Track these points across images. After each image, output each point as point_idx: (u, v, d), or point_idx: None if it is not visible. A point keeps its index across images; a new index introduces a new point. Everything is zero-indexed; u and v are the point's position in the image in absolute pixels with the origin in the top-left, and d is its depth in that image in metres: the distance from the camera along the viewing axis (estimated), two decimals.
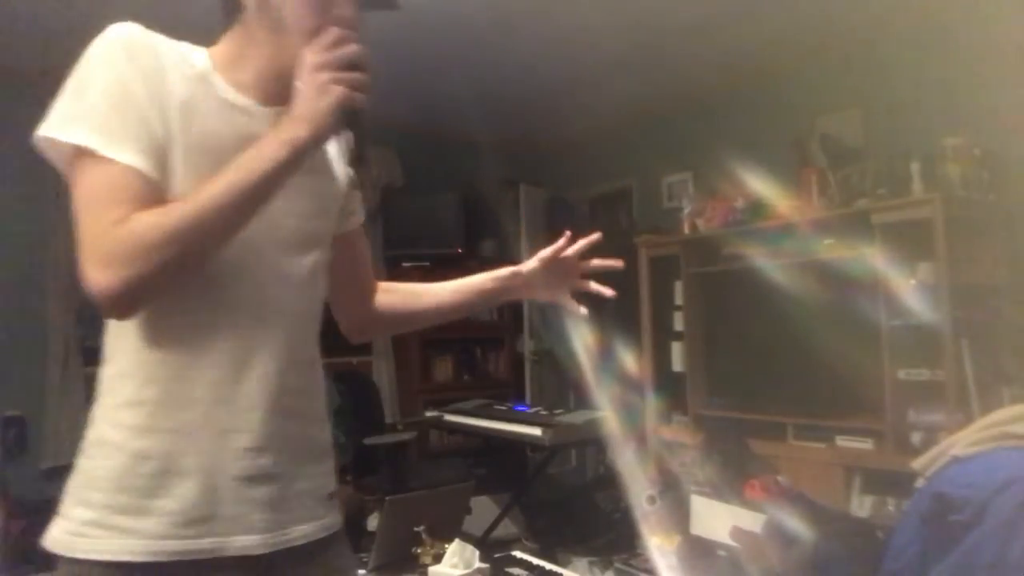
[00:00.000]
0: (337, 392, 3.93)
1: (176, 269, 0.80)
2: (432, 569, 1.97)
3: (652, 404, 3.89)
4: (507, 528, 3.20)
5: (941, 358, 2.72)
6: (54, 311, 3.55)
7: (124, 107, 0.82)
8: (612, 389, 3.61)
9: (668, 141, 4.51)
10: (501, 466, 4.15)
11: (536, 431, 2.97)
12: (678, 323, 3.88)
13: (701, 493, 2.80)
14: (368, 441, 3.33)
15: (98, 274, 0.77)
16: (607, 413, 3.21)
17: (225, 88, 0.90)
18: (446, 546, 1.99)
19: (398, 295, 1.20)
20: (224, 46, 0.94)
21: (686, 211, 3.88)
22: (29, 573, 3.12)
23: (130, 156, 0.80)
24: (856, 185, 3.29)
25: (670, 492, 2.93)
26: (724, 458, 2.92)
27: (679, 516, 2.78)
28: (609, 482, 3.38)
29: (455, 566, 1.92)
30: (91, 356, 3.66)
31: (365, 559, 2.12)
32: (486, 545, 2.80)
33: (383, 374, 4.53)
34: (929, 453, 2.15)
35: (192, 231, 0.79)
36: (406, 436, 3.64)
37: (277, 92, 0.92)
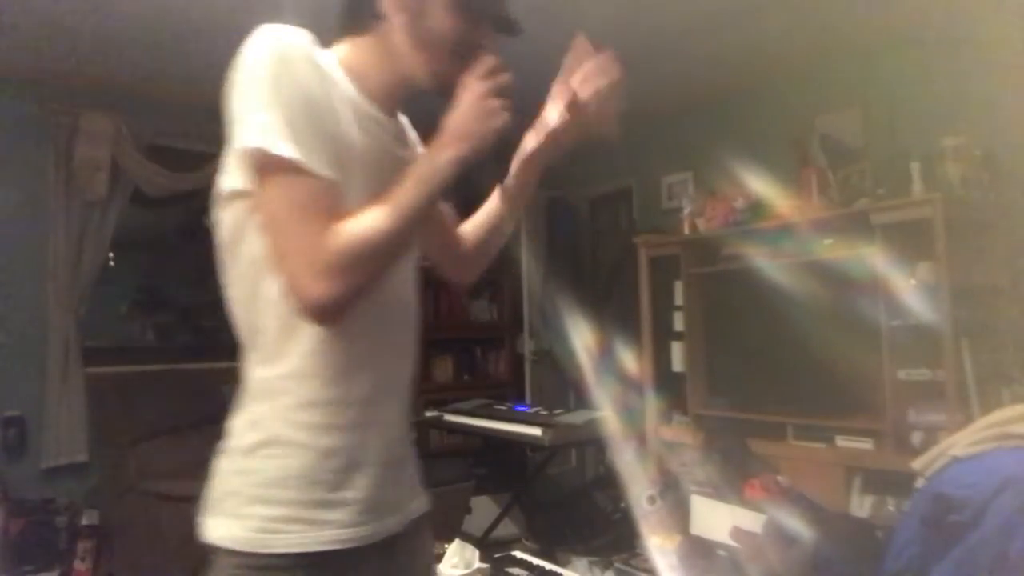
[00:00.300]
0: None
1: (379, 277, 0.87)
2: None
3: (652, 404, 3.89)
4: (507, 528, 3.20)
5: (941, 358, 2.71)
6: (54, 311, 3.54)
7: (313, 119, 0.85)
8: (612, 389, 3.62)
9: (668, 141, 4.51)
10: (501, 466, 4.15)
11: (536, 431, 2.97)
12: (678, 323, 3.87)
13: (701, 493, 2.80)
14: None
15: (318, 285, 0.81)
16: (607, 413, 3.21)
17: (362, 99, 0.95)
18: (446, 546, 1.99)
19: (470, 233, 1.25)
20: (353, 53, 0.97)
21: (686, 211, 3.88)
22: (29, 573, 3.13)
23: (326, 169, 0.84)
24: (856, 185, 3.29)
25: (670, 492, 2.93)
26: (724, 458, 2.92)
27: (679, 516, 2.79)
28: (609, 482, 3.38)
29: (455, 566, 1.92)
30: (91, 356, 3.66)
31: None
32: (486, 545, 2.80)
33: None
34: (929, 453, 2.15)
35: (393, 242, 0.86)
36: None
37: (393, 104, 1.00)
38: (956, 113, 3.05)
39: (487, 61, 0.91)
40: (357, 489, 0.91)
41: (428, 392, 4.54)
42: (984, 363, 2.72)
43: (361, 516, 0.91)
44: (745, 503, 2.60)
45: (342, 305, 0.83)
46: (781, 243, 3.32)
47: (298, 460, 0.88)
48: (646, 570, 2.71)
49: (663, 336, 3.95)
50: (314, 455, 0.89)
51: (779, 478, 2.71)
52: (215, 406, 4.21)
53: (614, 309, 4.56)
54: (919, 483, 2.12)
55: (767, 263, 3.31)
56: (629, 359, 3.92)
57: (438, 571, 1.93)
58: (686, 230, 3.85)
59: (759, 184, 3.49)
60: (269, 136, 0.82)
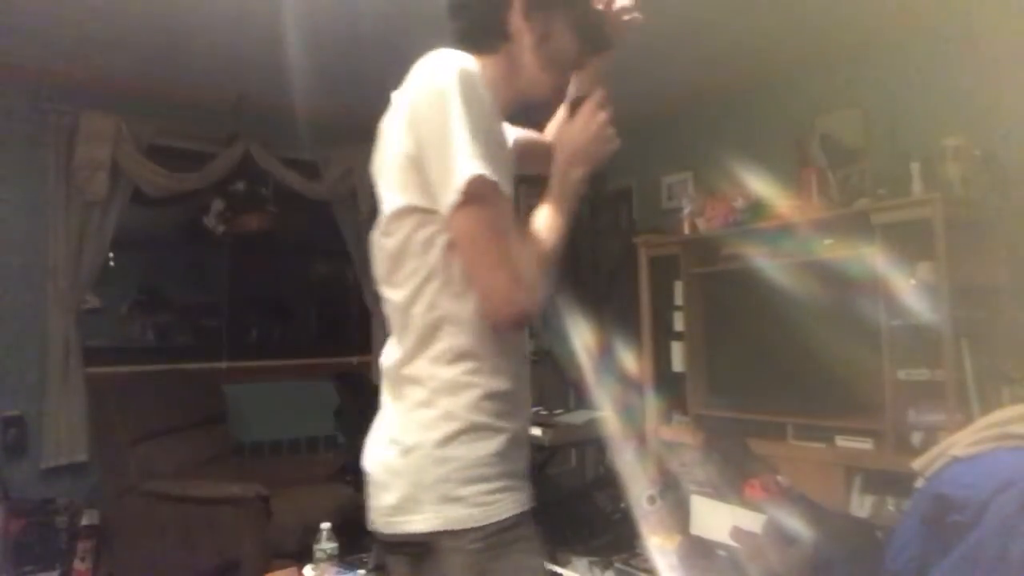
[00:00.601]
0: (337, 392, 3.93)
1: None
2: None
3: (652, 404, 3.89)
4: None
5: (941, 358, 2.71)
6: (54, 311, 3.54)
7: (502, 147, 0.98)
8: (612, 389, 3.62)
9: (668, 141, 4.51)
10: None
11: (536, 431, 2.97)
12: (678, 323, 3.87)
13: (701, 493, 2.80)
14: None
15: (524, 296, 0.96)
16: (607, 413, 3.21)
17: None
18: None
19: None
20: (482, 71, 1.04)
21: (686, 211, 3.88)
22: (29, 573, 3.13)
23: (509, 190, 0.97)
24: (856, 185, 3.29)
25: (670, 492, 2.93)
26: (724, 458, 2.92)
27: (679, 516, 2.78)
28: (609, 482, 3.38)
29: None
30: (91, 356, 3.66)
31: (365, 559, 2.13)
32: None
33: None
34: (929, 453, 2.15)
35: (558, 253, 1.03)
36: None
37: (504, 118, 1.09)
38: (956, 113, 3.05)
39: (601, 94, 1.06)
40: (524, 462, 1.07)
41: None
42: (984, 363, 2.72)
43: (528, 482, 1.07)
44: (745, 503, 2.60)
45: (536, 311, 0.99)
46: (781, 243, 3.32)
47: (493, 441, 1.01)
48: (646, 570, 2.71)
49: (663, 336, 3.95)
50: (504, 436, 1.02)
51: (779, 478, 2.71)
52: (215, 406, 4.20)
53: (614, 309, 4.56)
54: (919, 483, 2.12)
55: (767, 263, 3.31)
56: (629, 359, 3.92)
57: None
58: (686, 230, 3.85)
59: (759, 184, 3.49)
60: (482, 163, 0.91)
